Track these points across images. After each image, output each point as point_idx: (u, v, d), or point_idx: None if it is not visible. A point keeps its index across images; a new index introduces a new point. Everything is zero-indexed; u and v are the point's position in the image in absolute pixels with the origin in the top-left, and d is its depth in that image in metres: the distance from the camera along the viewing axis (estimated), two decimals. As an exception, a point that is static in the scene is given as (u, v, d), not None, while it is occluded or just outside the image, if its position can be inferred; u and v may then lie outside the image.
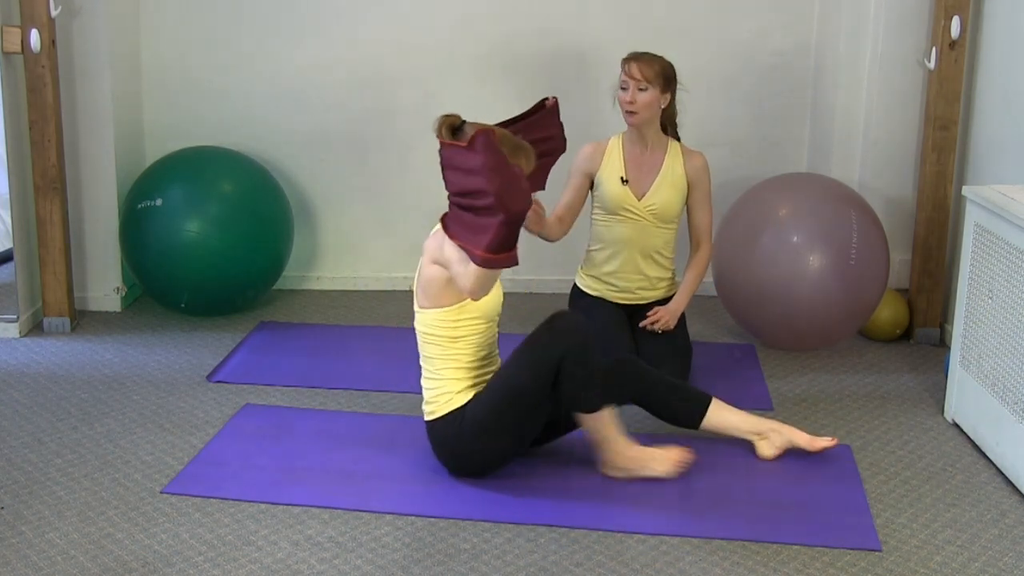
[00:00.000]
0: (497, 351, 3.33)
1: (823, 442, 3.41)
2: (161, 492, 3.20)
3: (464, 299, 3.14)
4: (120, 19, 4.64)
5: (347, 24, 4.82)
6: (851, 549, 2.95)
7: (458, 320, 3.16)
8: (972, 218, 3.59)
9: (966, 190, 3.66)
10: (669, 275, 4.07)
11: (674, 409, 3.45)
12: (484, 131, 2.94)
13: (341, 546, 2.94)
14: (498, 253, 2.97)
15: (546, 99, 3.60)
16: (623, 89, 3.86)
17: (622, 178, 3.91)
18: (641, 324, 3.94)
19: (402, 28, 4.83)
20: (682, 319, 4.04)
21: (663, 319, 3.92)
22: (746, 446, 3.46)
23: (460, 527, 3.03)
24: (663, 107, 3.90)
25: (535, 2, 4.80)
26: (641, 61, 3.83)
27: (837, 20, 4.63)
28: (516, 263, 3.02)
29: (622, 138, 3.98)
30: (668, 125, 4.00)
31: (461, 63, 4.84)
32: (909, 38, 4.47)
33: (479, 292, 3.07)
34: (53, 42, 4.25)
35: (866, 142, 4.61)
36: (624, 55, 3.88)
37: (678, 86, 3.93)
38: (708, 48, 4.82)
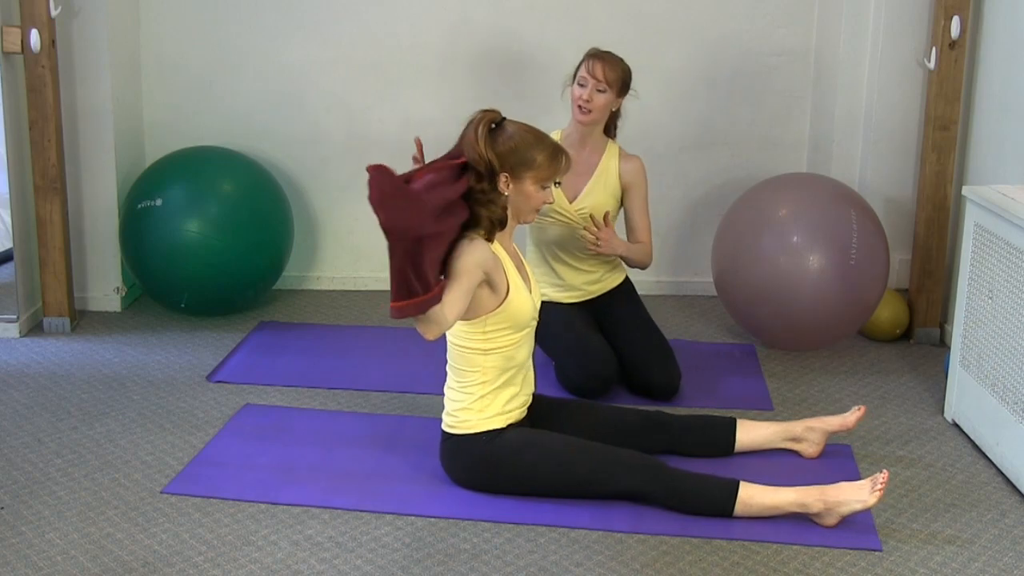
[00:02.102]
0: (531, 368, 3.28)
1: (854, 416, 3.40)
2: (161, 492, 3.20)
3: (487, 312, 3.08)
4: (120, 19, 4.64)
5: (347, 24, 4.82)
6: (851, 549, 2.95)
7: (486, 332, 3.10)
8: (972, 218, 3.59)
9: (966, 190, 3.66)
10: (613, 262, 3.98)
11: (704, 444, 3.42)
12: (371, 168, 2.86)
13: (341, 546, 2.94)
14: (399, 300, 2.89)
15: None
16: (581, 85, 3.77)
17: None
18: (585, 228, 3.76)
19: (402, 28, 4.83)
20: (649, 320, 3.98)
21: (604, 240, 3.74)
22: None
23: (460, 527, 3.03)
24: (613, 110, 3.85)
25: (535, 2, 4.80)
26: (606, 62, 3.76)
27: (837, 20, 4.63)
28: (422, 311, 2.90)
29: (560, 137, 3.89)
30: (610, 126, 3.93)
31: (461, 63, 4.83)
32: (909, 38, 4.47)
33: (422, 332, 2.97)
34: (53, 42, 4.25)
35: (866, 142, 4.61)
36: (590, 48, 3.83)
37: (629, 92, 3.86)
38: (708, 48, 4.82)
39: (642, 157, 3.97)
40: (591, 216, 3.79)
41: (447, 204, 2.97)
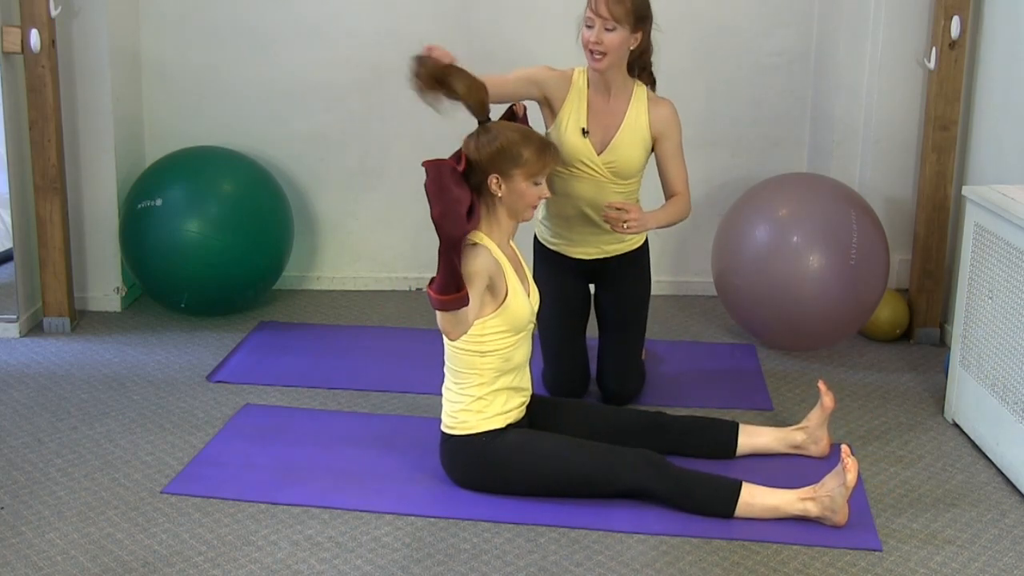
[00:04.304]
0: (528, 372, 3.29)
1: (826, 397, 3.41)
2: (161, 492, 3.20)
3: (485, 315, 3.09)
4: (120, 19, 4.64)
5: (347, 24, 4.82)
6: (851, 549, 2.95)
7: (484, 334, 3.11)
8: (972, 218, 3.59)
9: (966, 190, 3.66)
10: None
11: (705, 447, 3.42)
12: (428, 162, 2.97)
13: (341, 546, 2.94)
14: (445, 294, 2.93)
15: (513, 106, 3.41)
16: (588, 27, 3.43)
17: (583, 129, 3.54)
18: (607, 208, 3.47)
19: (402, 27, 4.82)
20: (637, 312, 3.84)
21: (633, 219, 3.44)
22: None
23: (460, 527, 3.03)
24: (632, 48, 3.50)
25: (535, 2, 4.79)
26: None
27: (837, 20, 4.63)
28: (466, 303, 2.97)
29: (586, 77, 3.57)
30: (638, 67, 3.59)
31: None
32: (909, 38, 4.47)
33: (447, 331, 3.05)
34: (53, 42, 4.25)
35: (866, 142, 4.61)
36: None
37: (653, 26, 3.53)
38: (708, 48, 4.82)
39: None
40: (609, 204, 3.49)
41: (468, 208, 3.02)
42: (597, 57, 3.46)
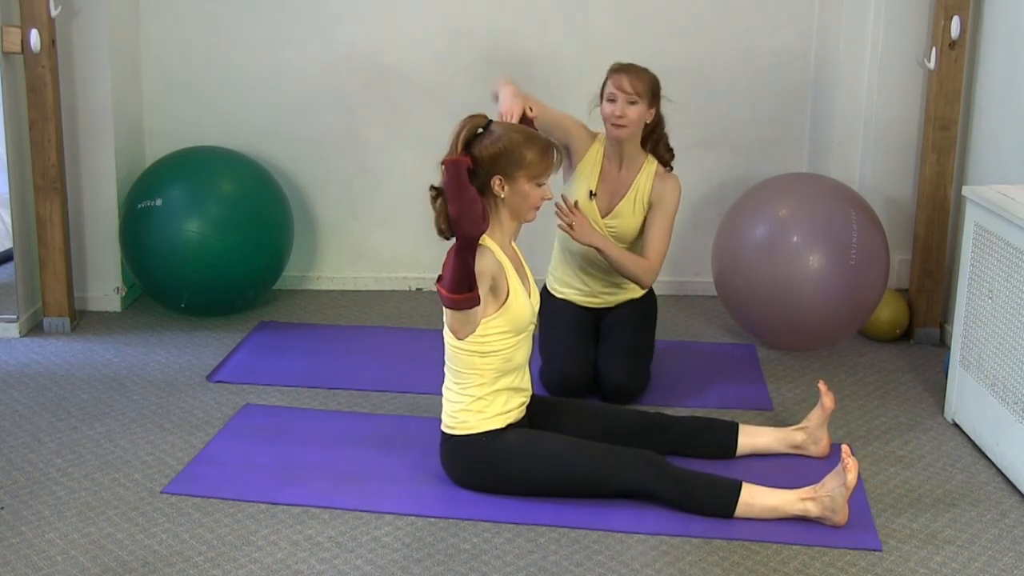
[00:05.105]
0: (528, 373, 3.29)
1: (826, 397, 3.42)
2: (161, 492, 3.20)
3: (487, 315, 3.09)
4: (120, 19, 4.64)
5: (347, 24, 4.82)
6: (851, 549, 2.95)
7: (485, 335, 3.11)
8: (972, 218, 3.59)
9: (966, 190, 3.66)
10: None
11: (705, 447, 3.42)
12: (449, 160, 2.98)
13: (341, 546, 2.94)
14: (457, 292, 2.97)
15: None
16: (611, 101, 3.76)
17: (591, 191, 3.85)
18: (564, 196, 3.79)
19: (402, 28, 4.83)
20: (641, 322, 3.96)
21: (578, 223, 3.71)
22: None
23: (460, 527, 3.03)
24: (647, 122, 3.82)
25: (535, 3, 4.80)
26: (631, 74, 3.74)
27: (837, 20, 4.63)
28: (477, 303, 3.01)
29: (604, 144, 3.89)
30: (652, 141, 3.88)
31: (461, 63, 4.83)
32: (909, 38, 4.47)
33: (455, 330, 3.09)
34: (53, 42, 4.25)
35: (866, 142, 4.61)
36: (613, 63, 3.82)
37: (662, 99, 3.84)
38: (708, 48, 4.82)
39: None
40: (562, 196, 3.78)
41: (484, 209, 3.04)
42: (619, 127, 3.77)
